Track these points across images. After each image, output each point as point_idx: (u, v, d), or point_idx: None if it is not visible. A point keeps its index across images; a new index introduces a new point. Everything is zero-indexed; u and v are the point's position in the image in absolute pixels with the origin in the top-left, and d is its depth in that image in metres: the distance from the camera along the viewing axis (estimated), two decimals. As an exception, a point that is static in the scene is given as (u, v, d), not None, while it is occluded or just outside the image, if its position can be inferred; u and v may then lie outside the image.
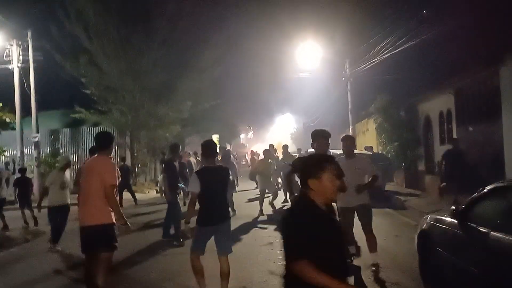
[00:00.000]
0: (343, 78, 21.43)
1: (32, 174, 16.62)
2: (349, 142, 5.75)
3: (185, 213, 5.11)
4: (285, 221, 2.26)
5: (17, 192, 10.41)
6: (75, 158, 18.57)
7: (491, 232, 3.76)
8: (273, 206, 10.80)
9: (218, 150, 12.66)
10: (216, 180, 4.71)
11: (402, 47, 13.96)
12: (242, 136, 62.02)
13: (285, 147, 13.15)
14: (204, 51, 18.25)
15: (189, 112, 18.75)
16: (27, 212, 9.93)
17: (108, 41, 15.85)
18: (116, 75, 16.09)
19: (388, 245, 6.85)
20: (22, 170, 10.82)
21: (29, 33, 17.15)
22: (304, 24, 24.79)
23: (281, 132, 55.37)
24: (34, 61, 17.01)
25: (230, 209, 10.63)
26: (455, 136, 12.24)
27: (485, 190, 4.29)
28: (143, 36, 16.02)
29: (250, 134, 55.96)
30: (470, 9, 11.36)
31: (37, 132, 17.04)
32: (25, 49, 17.03)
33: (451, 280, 4.67)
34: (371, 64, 16.81)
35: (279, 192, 12.16)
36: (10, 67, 16.19)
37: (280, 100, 42.51)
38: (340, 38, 21.81)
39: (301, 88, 33.17)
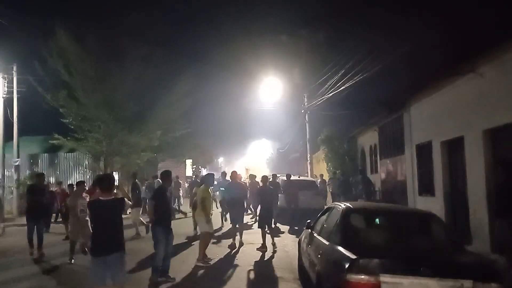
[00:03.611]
0: (302, 111, 23.76)
1: (11, 195, 18.44)
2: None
3: None
4: None
5: None
6: (51, 180, 20.34)
7: (315, 235, 5.79)
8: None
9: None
10: (105, 212, 4.87)
11: (341, 88, 16.28)
12: (221, 159, 63.65)
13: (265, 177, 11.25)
14: (175, 85, 20.08)
15: (159, 140, 20.46)
16: None
17: (86, 76, 17.49)
18: (93, 107, 17.65)
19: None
20: None
21: (14, 67, 19.09)
22: (272, 61, 27.30)
23: (257, 157, 57.21)
24: (17, 93, 18.89)
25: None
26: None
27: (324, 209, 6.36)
28: (118, 72, 17.79)
29: (221, 159, 57.48)
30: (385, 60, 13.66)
31: (18, 157, 18.76)
32: (10, 81, 18.94)
33: (303, 272, 6.62)
34: (320, 101, 19.11)
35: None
36: (-5, 97, 17.96)
37: (254, 127, 44.71)
38: (300, 74, 24.32)
39: (273, 116, 35.45)
